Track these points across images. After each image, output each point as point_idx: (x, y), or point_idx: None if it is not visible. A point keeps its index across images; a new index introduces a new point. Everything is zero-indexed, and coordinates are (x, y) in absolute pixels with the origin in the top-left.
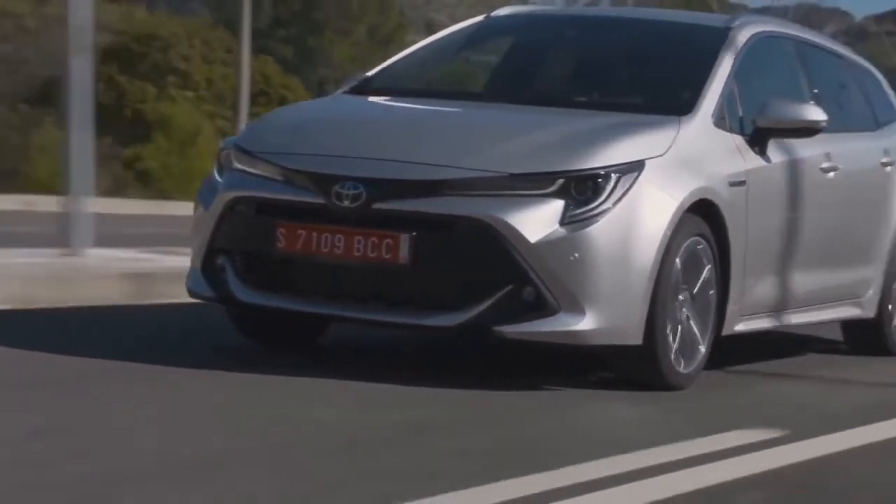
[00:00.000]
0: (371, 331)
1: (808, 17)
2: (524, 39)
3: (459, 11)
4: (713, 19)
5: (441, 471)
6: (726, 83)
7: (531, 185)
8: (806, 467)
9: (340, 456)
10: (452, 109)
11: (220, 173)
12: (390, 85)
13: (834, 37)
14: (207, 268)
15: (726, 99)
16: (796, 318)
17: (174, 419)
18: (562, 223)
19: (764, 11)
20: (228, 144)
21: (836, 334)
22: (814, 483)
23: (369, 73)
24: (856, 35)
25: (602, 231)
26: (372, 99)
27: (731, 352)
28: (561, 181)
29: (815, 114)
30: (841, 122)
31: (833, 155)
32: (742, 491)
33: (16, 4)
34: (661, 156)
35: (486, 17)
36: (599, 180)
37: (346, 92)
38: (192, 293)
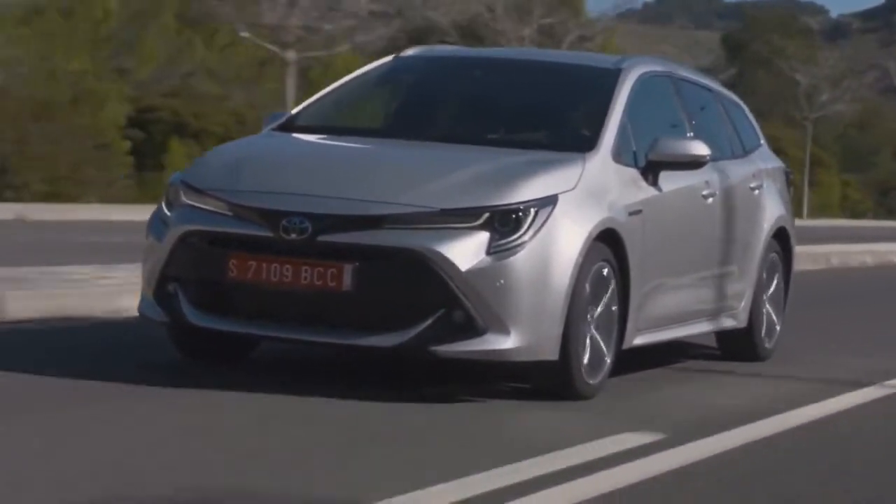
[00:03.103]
0: (294, 352)
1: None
2: (433, 78)
3: None
4: (604, 60)
5: (378, 479)
6: (621, 120)
7: (460, 219)
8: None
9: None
10: (381, 148)
11: (168, 207)
12: (313, 122)
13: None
14: (159, 294)
15: (621, 135)
16: (684, 331)
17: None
18: (488, 253)
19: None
20: (175, 180)
21: (711, 341)
22: (722, 476)
23: (293, 112)
24: (831, 32)
25: (523, 260)
26: (298, 136)
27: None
28: (486, 215)
29: (701, 149)
30: (716, 151)
31: (711, 182)
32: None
33: None
34: (571, 190)
35: (395, 58)
36: (520, 214)
37: (273, 129)
38: (143, 317)
